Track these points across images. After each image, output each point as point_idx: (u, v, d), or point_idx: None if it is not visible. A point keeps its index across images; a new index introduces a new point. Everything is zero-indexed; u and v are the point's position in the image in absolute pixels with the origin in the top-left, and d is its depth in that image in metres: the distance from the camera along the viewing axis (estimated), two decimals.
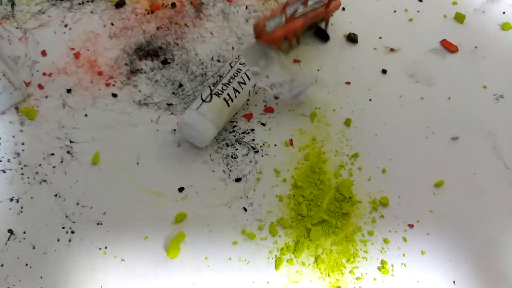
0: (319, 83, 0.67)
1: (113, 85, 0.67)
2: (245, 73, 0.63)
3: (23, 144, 0.62)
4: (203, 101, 0.60)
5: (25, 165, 0.60)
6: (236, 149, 0.63)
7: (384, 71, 0.72)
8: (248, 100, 0.66)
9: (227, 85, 0.61)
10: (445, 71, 0.73)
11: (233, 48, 0.73)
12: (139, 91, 0.67)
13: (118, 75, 0.68)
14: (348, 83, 0.71)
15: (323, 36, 0.73)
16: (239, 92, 0.62)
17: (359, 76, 0.71)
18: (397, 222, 0.59)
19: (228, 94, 0.60)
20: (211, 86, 0.62)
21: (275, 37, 0.65)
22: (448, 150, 0.65)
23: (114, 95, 0.66)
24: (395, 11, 0.80)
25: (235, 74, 0.62)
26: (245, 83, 0.63)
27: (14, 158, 0.60)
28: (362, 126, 0.66)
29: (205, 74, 0.70)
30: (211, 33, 0.74)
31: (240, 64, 0.63)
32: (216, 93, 0.60)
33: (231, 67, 0.63)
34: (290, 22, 0.66)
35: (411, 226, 0.59)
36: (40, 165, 0.60)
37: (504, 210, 0.61)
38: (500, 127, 0.67)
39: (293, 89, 0.65)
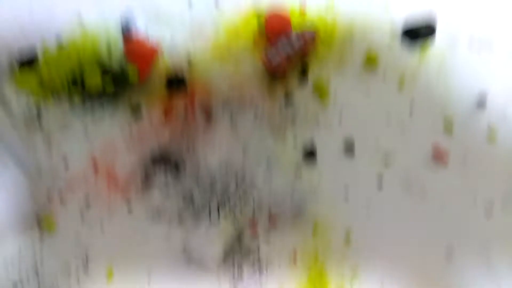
0: (319, 198, 0.72)
1: (129, 197, 0.72)
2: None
3: (41, 260, 0.66)
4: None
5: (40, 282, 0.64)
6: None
7: (380, 183, 0.78)
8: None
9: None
10: (438, 183, 0.78)
11: (243, 155, 0.78)
12: (153, 203, 0.72)
13: (133, 187, 0.74)
14: (346, 196, 0.76)
15: (310, 157, 0.79)
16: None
17: (357, 190, 0.76)
18: None
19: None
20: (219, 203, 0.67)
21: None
22: (443, 267, 0.69)
23: (129, 208, 0.71)
24: (388, 119, 0.87)
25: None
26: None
27: (31, 274, 0.64)
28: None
29: (215, 185, 0.75)
30: (220, 142, 0.81)
31: (243, 182, 0.69)
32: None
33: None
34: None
35: None
36: (56, 282, 0.64)
37: None
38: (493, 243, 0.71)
39: (293, 204, 0.70)
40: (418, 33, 0.95)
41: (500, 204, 0.77)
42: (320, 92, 0.90)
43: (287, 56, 0.80)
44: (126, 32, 0.94)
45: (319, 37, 0.90)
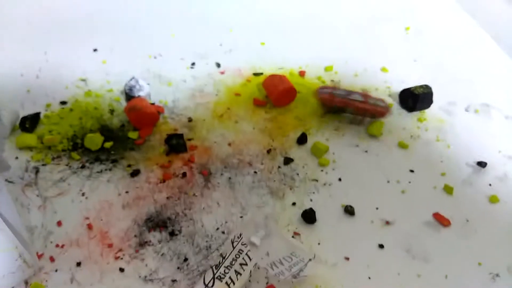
0: (318, 259, 0.70)
1: (121, 258, 0.70)
2: (247, 254, 0.66)
3: None
4: (206, 285, 0.62)
5: None
6: None
7: (381, 246, 0.76)
8: (250, 276, 0.69)
9: (229, 268, 0.64)
10: (440, 246, 0.76)
11: (241, 217, 0.77)
12: (146, 265, 0.70)
13: (127, 248, 0.72)
14: (347, 258, 0.73)
15: (309, 219, 0.78)
16: (240, 274, 0.64)
17: (358, 251, 0.74)
18: None
19: (230, 278, 0.63)
20: (214, 268, 0.65)
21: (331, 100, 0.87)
22: None
23: (121, 269, 0.69)
24: (388, 182, 0.86)
25: (237, 256, 0.66)
26: (246, 264, 0.66)
27: None
28: None
29: (210, 247, 0.73)
30: (218, 203, 0.80)
31: (242, 244, 0.67)
32: (219, 277, 0.63)
33: (233, 247, 0.67)
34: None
35: None
36: None
37: None
38: None
39: (293, 267, 0.68)
40: (417, 97, 0.97)
41: (506, 268, 0.74)
42: (319, 154, 0.90)
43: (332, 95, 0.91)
44: (130, 93, 0.96)
45: (380, 112, 0.96)
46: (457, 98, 1.06)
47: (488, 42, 1.22)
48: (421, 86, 1.00)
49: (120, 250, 0.71)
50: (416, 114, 1.01)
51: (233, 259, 0.65)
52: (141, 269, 0.69)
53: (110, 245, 0.72)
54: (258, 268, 0.69)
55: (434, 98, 1.01)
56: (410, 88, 1.00)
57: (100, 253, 0.71)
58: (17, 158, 0.83)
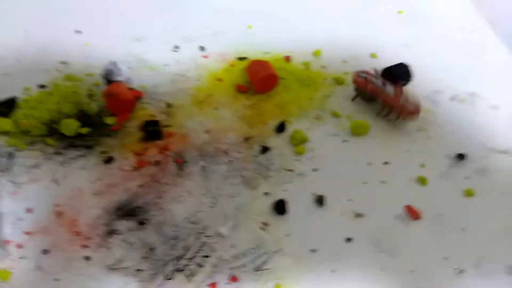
0: (283, 252, 0.70)
1: (88, 247, 0.71)
2: (210, 246, 0.66)
3: None
4: (165, 277, 0.62)
5: None
6: None
7: (349, 239, 0.75)
8: (214, 268, 0.69)
9: (191, 260, 0.65)
10: (408, 240, 0.76)
11: (211, 207, 0.76)
12: (113, 254, 0.70)
13: (95, 236, 0.72)
14: (314, 251, 0.73)
15: (280, 210, 0.77)
16: (202, 266, 0.65)
17: (325, 244, 0.74)
18: None
19: (190, 270, 0.63)
20: (175, 260, 0.65)
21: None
22: None
23: (88, 258, 0.70)
24: (364, 173, 0.85)
25: (200, 248, 0.66)
26: (208, 256, 0.66)
27: None
28: None
29: (177, 237, 0.73)
30: (189, 193, 0.79)
31: (205, 237, 0.67)
32: (179, 269, 0.63)
33: (197, 238, 0.67)
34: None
35: None
36: None
37: None
38: None
39: (256, 260, 0.68)
40: (389, 70, 0.95)
41: (473, 263, 0.74)
42: (296, 143, 0.89)
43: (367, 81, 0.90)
44: (108, 78, 0.95)
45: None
46: (444, 87, 1.03)
47: (484, 28, 1.18)
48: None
49: (88, 238, 0.72)
50: None
51: (196, 252, 0.65)
52: (107, 258, 0.70)
53: (78, 233, 0.72)
54: (222, 260, 0.69)
55: (420, 86, 0.98)
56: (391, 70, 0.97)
57: (67, 241, 0.71)
58: None
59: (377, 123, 0.92)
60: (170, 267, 0.63)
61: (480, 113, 0.96)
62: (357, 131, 0.89)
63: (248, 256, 0.68)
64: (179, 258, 0.65)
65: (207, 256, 0.66)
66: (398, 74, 0.94)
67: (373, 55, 1.08)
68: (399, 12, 1.21)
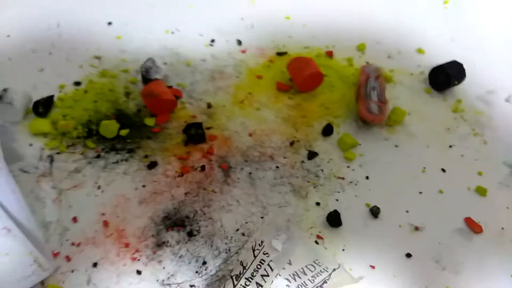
0: (342, 268, 0.67)
1: (139, 259, 0.68)
2: (269, 264, 0.63)
3: None
4: None
5: None
6: None
7: (408, 255, 0.72)
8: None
9: (250, 279, 0.62)
10: (471, 256, 0.72)
11: (262, 217, 0.73)
12: (163, 268, 0.68)
13: (144, 248, 0.69)
14: (373, 267, 0.70)
15: (334, 222, 0.73)
16: (262, 286, 0.62)
17: (384, 260, 0.70)
18: None
19: None
20: (234, 279, 0.62)
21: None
22: None
23: (139, 272, 0.67)
24: (419, 181, 0.81)
25: (259, 266, 0.63)
26: (268, 275, 0.63)
27: None
28: None
29: (229, 250, 0.70)
30: (238, 201, 0.76)
31: (263, 254, 0.64)
32: None
33: (254, 256, 0.64)
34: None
35: None
36: None
37: None
38: None
39: (316, 277, 0.65)
40: (442, 68, 0.90)
41: None
42: (345, 148, 0.85)
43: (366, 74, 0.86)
44: (146, 76, 0.91)
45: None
46: (497, 86, 0.97)
47: None
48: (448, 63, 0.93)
49: (137, 250, 0.69)
50: (451, 104, 0.94)
51: (254, 270, 0.62)
52: (159, 272, 0.67)
53: (126, 245, 0.69)
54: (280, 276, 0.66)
55: (471, 86, 0.93)
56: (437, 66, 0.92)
57: (116, 253, 0.69)
58: (31, 145, 0.80)
59: (427, 127, 0.88)
60: (228, 287, 0.60)
61: None
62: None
63: (307, 274, 0.64)
64: (237, 277, 0.61)
65: (266, 275, 0.63)
66: (453, 73, 0.89)
67: (420, 50, 1.03)
68: (445, 2, 1.14)
